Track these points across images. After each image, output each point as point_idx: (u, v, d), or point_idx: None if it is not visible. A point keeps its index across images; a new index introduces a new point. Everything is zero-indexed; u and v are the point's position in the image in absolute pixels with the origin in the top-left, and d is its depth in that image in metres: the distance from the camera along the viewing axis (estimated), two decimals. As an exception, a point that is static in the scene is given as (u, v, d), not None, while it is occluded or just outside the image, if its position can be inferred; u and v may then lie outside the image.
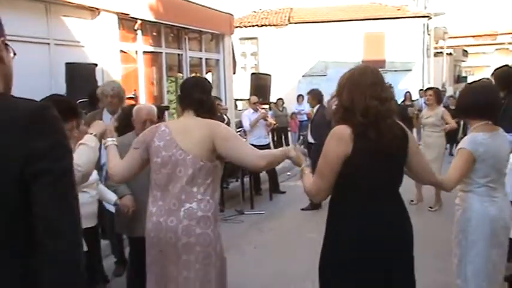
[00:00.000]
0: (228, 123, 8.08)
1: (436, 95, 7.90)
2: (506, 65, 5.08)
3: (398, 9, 23.89)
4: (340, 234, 2.43)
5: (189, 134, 2.76)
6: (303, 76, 23.34)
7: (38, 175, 1.33)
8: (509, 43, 50.43)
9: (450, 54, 35.07)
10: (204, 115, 2.85)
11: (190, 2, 11.11)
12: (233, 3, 13.46)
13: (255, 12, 25.42)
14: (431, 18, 23.74)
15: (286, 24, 24.00)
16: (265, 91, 12.15)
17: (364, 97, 2.35)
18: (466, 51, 44.31)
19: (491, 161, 3.02)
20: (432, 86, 22.44)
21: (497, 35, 54.29)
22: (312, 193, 2.51)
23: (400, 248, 2.45)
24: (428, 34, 24.03)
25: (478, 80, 3.71)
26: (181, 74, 11.36)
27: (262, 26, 24.11)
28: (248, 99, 9.91)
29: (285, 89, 19.58)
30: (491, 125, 3.12)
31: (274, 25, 23.96)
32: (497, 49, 52.42)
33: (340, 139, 2.35)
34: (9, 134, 1.32)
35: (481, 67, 49.25)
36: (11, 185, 1.32)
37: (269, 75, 12.95)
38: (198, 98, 2.88)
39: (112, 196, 3.97)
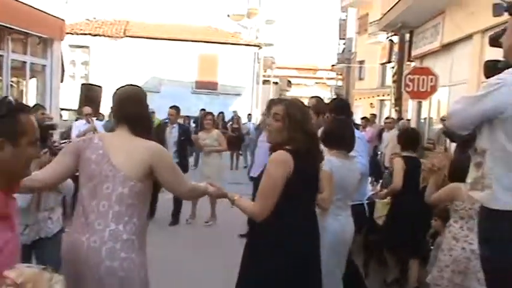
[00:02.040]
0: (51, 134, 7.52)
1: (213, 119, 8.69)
2: (317, 96, 5.78)
3: (232, 36, 25.02)
4: (280, 246, 2.73)
5: (125, 153, 2.55)
6: (136, 91, 22.96)
7: None
8: (327, 78, 55.99)
9: (276, 83, 37.64)
10: (140, 133, 2.62)
11: (16, 0, 10.23)
12: (65, 8, 12.73)
13: (88, 20, 24.36)
14: (261, 47, 25.32)
15: (122, 37, 23.46)
16: (96, 103, 11.66)
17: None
18: (290, 81, 47.94)
19: (339, 182, 3.49)
20: (260, 111, 23.59)
21: (317, 69, 60.00)
22: (260, 214, 2.74)
23: (319, 252, 2.94)
24: (258, 62, 25.56)
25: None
26: (-1, 77, 10.32)
27: (95, 35, 23.19)
28: (76, 110, 9.45)
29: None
30: (345, 153, 3.68)
31: (108, 36, 23.23)
32: (316, 82, 57.80)
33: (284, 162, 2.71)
34: None
35: (303, 98, 53.72)
36: None
37: (100, 86, 12.48)
38: (134, 112, 2.64)
39: None
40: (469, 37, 9.19)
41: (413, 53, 13.12)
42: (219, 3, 27.96)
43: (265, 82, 30.91)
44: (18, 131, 1.73)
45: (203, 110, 13.87)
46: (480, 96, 2.50)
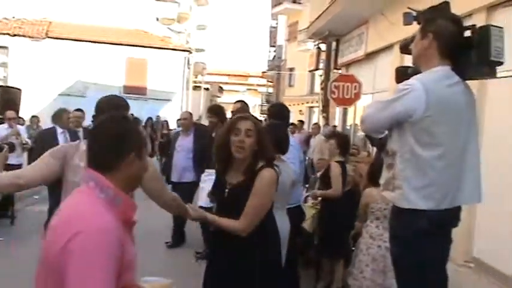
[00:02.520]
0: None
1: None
2: (241, 101, 5.87)
3: (161, 40, 24.66)
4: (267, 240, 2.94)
5: None
6: (59, 95, 22.03)
7: None
8: (258, 85, 56.60)
9: (207, 89, 37.54)
10: None
11: None
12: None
13: (7, 19, 23.11)
14: (191, 53, 25.14)
15: (44, 38, 22.46)
16: (15, 106, 11.05)
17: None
18: (221, 87, 48.03)
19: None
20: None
21: (248, 76, 60.51)
22: (247, 231, 2.82)
23: None
24: (189, 68, 25.36)
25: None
26: None
27: (15, 35, 22.05)
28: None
29: (39, 106, 18.15)
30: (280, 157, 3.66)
31: (29, 36, 22.17)
32: (248, 89, 58.25)
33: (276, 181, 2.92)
34: None
35: (234, 104, 53.87)
36: None
37: (19, 89, 11.85)
38: None
39: None
40: (390, 47, 9.56)
41: (340, 61, 13.49)
42: (148, 6, 27.40)
43: (196, 88, 30.71)
44: (142, 145, 1.84)
45: (132, 115, 13.54)
46: (391, 101, 2.58)
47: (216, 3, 61.12)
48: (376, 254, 4.01)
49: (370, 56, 11.10)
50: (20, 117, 11.50)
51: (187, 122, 7.18)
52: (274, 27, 39.22)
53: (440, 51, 2.56)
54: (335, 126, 12.53)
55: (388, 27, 9.33)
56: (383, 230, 4.01)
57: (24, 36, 21.99)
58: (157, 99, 23.39)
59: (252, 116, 3.23)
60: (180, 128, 16.14)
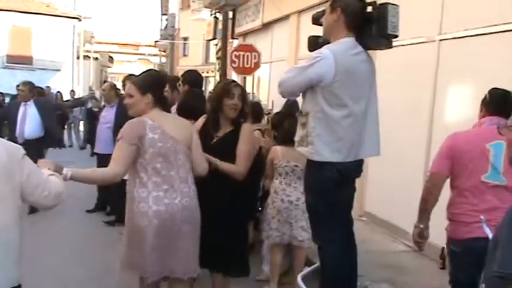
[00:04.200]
0: None
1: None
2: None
3: (47, 6, 23.19)
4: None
5: (176, 128, 3.12)
6: None
7: None
8: (149, 55, 55.24)
9: (97, 58, 36.01)
10: (167, 111, 3.26)
11: None
12: None
13: None
14: (81, 20, 23.96)
15: None
16: None
17: None
18: (111, 57, 46.27)
19: None
20: (81, 87, 22.48)
21: (139, 45, 58.76)
22: (244, 173, 3.43)
23: None
24: (78, 36, 24.18)
25: None
26: None
27: None
28: None
29: None
30: None
31: None
32: (139, 59, 56.62)
33: None
34: None
35: (125, 74, 52.16)
36: None
37: None
38: (164, 96, 3.29)
39: None
40: (286, 17, 10.00)
41: (237, 30, 13.75)
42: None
43: (85, 57, 29.38)
44: None
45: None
46: (305, 67, 2.93)
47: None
48: (280, 207, 4.36)
49: (266, 25, 11.48)
50: None
51: (107, 93, 7.16)
52: (166, -5, 38.40)
53: (346, 24, 2.93)
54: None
55: (284, -2, 9.74)
56: (285, 185, 4.37)
57: None
58: (45, 69, 22.11)
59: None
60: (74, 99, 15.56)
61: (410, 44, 5.67)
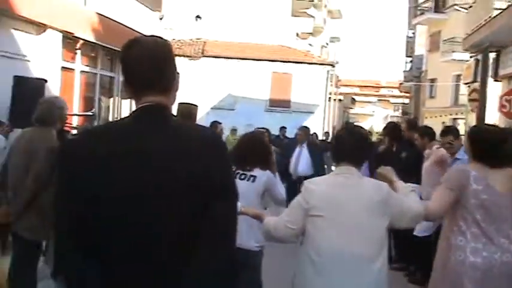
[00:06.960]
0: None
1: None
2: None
3: (305, 55, 25.56)
4: None
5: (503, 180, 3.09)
6: (212, 108, 23.81)
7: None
8: (390, 96, 55.53)
9: (340, 100, 37.84)
10: None
11: (125, 26, 11.17)
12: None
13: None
14: (334, 66, 25.71)
15: (200, 57, 24.51)
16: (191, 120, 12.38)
17: None
18: (354, 99, 48.00)
19: None
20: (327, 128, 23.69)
21: (380, 87, 59.60)
22: None
23: None
24: (331, 81, 25.95)
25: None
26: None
27: (176, 56, 24.28)
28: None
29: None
30: None
31: (188, 56, 24.33)
32: (379, 100, 57.37)
33: None
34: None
35: (365, 115, 53.39)
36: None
37: (196, 105, 13.20)
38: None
39: None
40: None
41: (501, 72, 13.12)
42: (285, 22, 28.48)
43: (329, 100, 31.21)
44: None
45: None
46: None
47: (349, 15, 61.30)
48: None
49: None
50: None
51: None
52: (411, 38, 38.42)
53: None
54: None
55: None
56: None
57: (183, 56, 24.14)
58: (300, 112, 24.26)
59: None
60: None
61: None
